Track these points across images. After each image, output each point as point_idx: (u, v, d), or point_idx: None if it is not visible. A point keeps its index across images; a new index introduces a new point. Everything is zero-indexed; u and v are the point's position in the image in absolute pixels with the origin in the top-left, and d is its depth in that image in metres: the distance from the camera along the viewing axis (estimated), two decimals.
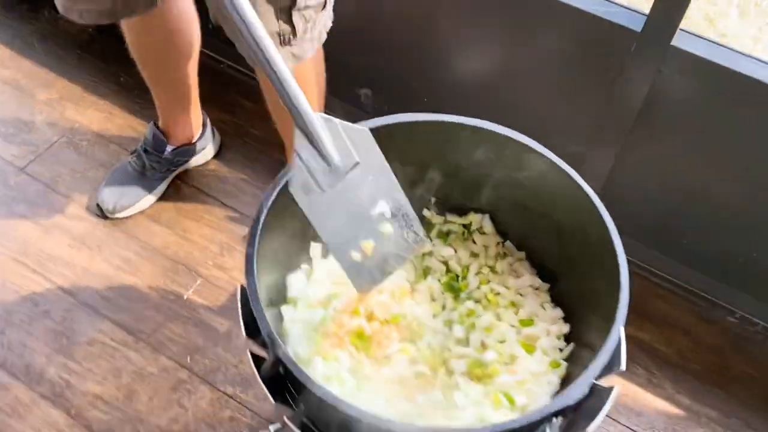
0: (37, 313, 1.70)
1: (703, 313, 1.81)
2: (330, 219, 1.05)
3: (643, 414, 1.64)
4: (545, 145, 1.15)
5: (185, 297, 1.74)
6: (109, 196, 1.83)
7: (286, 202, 1.05)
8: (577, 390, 0.91)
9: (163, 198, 1.91)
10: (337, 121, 1.00)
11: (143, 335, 1.68)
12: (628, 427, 1.61)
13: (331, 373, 1.08)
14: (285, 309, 1.17)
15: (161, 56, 1.69)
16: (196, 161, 1.95)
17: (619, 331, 1.00)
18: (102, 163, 1.97)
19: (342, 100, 1.97)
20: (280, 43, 1.31)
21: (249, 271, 0.97)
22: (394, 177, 1.08)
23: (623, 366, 1.04)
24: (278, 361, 0.93)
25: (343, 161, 1.02)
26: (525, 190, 1.19)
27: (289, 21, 1.30)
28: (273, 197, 1.07)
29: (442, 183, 1.26)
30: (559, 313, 1.20)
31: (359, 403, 0.90)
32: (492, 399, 1.07)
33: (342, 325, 1.14)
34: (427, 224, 1.32)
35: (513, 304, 1.22)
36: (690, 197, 1.68)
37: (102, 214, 1.85)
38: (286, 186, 1.05)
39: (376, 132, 1.05)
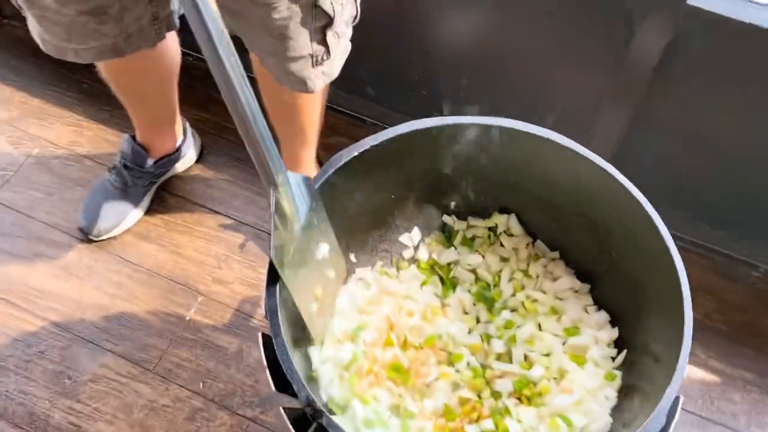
0: (32, 354, 1.58)
1: (725, 270, 1.75)
2: (297, 278, 0.99)
3: None
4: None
5: (187, 318, 1.64)
6: (92, 218, 1.71)
7: None
8: (656, 424, 0.84)
9: (148, 212, 1.79)
10: (295, 176, 0.95)
11: (149, 365, 1.58)
12: None
13: (372, 417, 1.00)
14: (311, 350, 1.07)
15: (143, 82, 1.55)
16: (179, 168, 1.82)
17: (689, 337, 0.93)
18: (78, 182, 1.83)
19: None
20: (313, 65, 1.23)
21: (274, 327, 0.87)
22: (326, 216, 1.05)
23: (686, 373, 0.97)
24: (321, 427, 0.84)
25: (302, 215, 0.97)
26: (556, 188, 1.10)
27: (324, 41, 1.20)
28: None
29: (461, 186, 1.16)
30: (604, 316, 1.12)
31: None
32: (548, 424, 1.00)
33: (375, 360, 1.05)
34: (448, 231, 1.23)
35: (554, 310, 1.14)
36: (706, 153, 1.60)
37: (86, 238, 1.72)
38: None
39: (390, 143, 0.96)
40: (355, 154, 1.01)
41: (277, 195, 0.90)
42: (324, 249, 1.05)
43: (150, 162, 1.71)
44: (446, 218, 1.22)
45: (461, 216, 1.22)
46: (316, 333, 1.06)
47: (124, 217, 1.72)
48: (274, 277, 0.91)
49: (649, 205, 1.00)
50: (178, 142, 1.76)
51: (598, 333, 1.10)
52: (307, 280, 1.02)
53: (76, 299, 1.66)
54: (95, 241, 1.73)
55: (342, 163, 1.00)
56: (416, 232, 1.22)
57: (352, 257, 1.20)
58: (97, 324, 1.62)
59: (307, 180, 0.97)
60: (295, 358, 0.93)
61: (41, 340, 1.60)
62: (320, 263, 1.06)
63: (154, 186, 1.79)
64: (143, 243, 1.74)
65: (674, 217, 1.74)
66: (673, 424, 0.96)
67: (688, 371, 1.59)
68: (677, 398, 0.95)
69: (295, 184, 0.94)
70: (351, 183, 1.04)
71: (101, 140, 1.91)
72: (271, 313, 0.86)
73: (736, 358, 1.64)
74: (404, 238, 1.22)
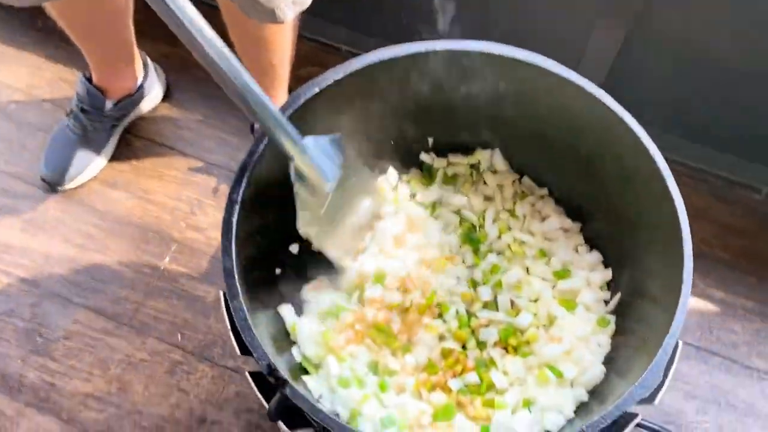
0: (1, 313, 1.51)
1: (725, 194, 1.67)
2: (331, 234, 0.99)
3: None
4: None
5: (162, 268, 1.56)
6: (54, 167, 1.61)
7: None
8: (654, 376, 0.76)
9: (114, 158, 1.68)
10: (319, 139, 0.90)
11: (124, 319, 1.51)
12: None
13: (348, 375, 0.93)
14: (282, 308, 1.00)
15: (90, 17, 1.42)
16: (143, 108, 1.71)
17: (690, 274, 0.85)
18: (39, 128, 1.72)
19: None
20: None
21: (231, 289, 0.78)
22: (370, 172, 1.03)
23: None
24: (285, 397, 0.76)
25: (334, 179, 0.92)
26: (542, 118, 1.00)
27: None
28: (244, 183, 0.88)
29: (439, 120, 1.06)
30: (597, 257, 1.04)
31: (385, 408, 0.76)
32: (536, 376, 0.93)
33: (362, 319, 0.98)
34: (427, 170, 1.13)
35: (542, 253, 1.05)
36: (704, 72, 1.49)
37: (50, 188, 1.62)
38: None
39: (356, 77, 0.85)
40: (316, 90, 0.91)
41: (296, 164, 0.85)
42: (365, 202, 1.02)
43: (109, 104, 1.60)
44: (424, 156, 1.12)
45: (441, 153, 1.12)
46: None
47: (87, 164, 1.62)
48: (228, 235, 0.82)
49: (642, 129, 0.91)
50: (139, 81, 1.64)
51: (590, 275, 1.02)
52: (344, 233, 0.99)
53: (44, 253, 1.57)
54: (60, 192, 1.63)
55: (300, 103, 0.90)
56: (392, 173, 1.13)
57: None
58: (68, 278, 1.55)
59: (334, 140, 0.91)
60: (262, 318, 0.86)
61: (10, 298, 1.53)
62: (360, 212, 1.02)
63: (118, 129, 1.68)
64: (111, 191, 1.65)
65: (671, 141, 1.66)
66: (671, 372, 0.89)
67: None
68: (677, 344, 0.88)
69: (317, 148, 0.89)
70: (314, 125, 0.94)
71: (60, 82, 1.79)
72: (227, 275, 0.77)
73: (737, 286, 1.57)
74: (381, 181, 1.13)
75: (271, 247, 1.02)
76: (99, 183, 1.65)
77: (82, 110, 1.59)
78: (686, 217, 0.90)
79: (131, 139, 1.71)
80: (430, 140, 1.11)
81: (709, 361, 1.49)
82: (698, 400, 1.44)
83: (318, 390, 0.91)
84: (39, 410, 1.42)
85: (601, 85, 0.94)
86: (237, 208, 0.85)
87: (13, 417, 1.41)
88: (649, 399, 0.82)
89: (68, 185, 1.62)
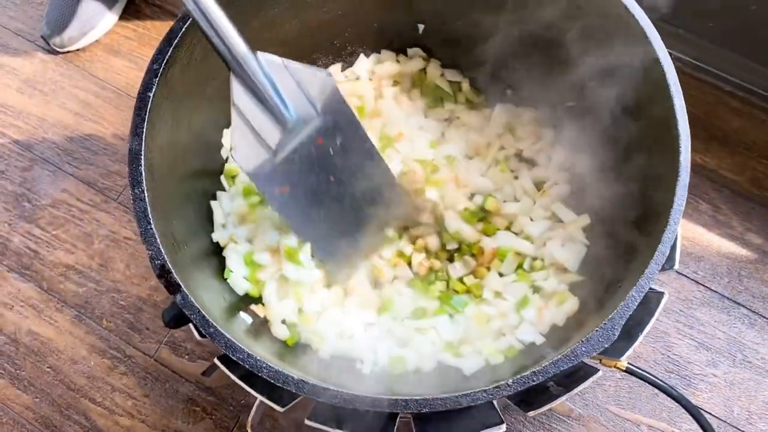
0: None
1: None
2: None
3: (704, 258, 1.37)
4: None
5: None
6: (56, 27, 1.51)
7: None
8: (608, 333, 0.64)
9: (121, 23, 1.58)
10: (289, 63, 0.77)
11: (113, 193, 1.45)
12: (684, 274, 1.35)
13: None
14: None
15: None
16: None
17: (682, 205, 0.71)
18: None
19: None
20: None
21: (135, 175, 0.68)
22: (364, 129, 0.88)
23: (677, 265, 0.75)
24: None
25: (299, 115, 0.79)
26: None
27: None
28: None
29: None
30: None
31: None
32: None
33: None
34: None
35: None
36: None
37: (51, 48, 1.54)
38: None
39: None
40: None
41: (239, 78, 0.75)
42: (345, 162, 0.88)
43: None
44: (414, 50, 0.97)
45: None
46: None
47: (92, 25, 1.52)
48: (142, 113, 0.71)
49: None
50: None
51: None
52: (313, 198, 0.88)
53: (39, 116, 1.51)
54: (61, 52, 1.55)
55: None
56: (363, 60, 0.99)
57: None
58: (61, 145, 1.49)
59: (319, 75, 0.79)
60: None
61: (2, 159, 1.48)
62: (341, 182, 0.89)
63: None
64: (113, 58, 1.56)
65: (734, 62, 1.45)
66: (650, 323, 0.76)
67: (718, 243, 1.37)
68: (662, 296, 0.74)
69: (285, 74, 0.78)
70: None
71: None
72: (133, 158, 0.67)
73: None
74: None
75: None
76: (102, 48, 1.56)
77: None
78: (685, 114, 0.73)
79: (140, 5, 1.60)
80: (421, 27, 0.95)
81: (732, 312, 1.34)
82: (711, 352, 1.31)
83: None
84: (21, 276, 1.39)
85: None
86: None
87: None
88: (617, 353, 0.70)
89: (69, 47, 1.53)
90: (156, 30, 1.57)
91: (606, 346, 0.63)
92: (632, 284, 0.65)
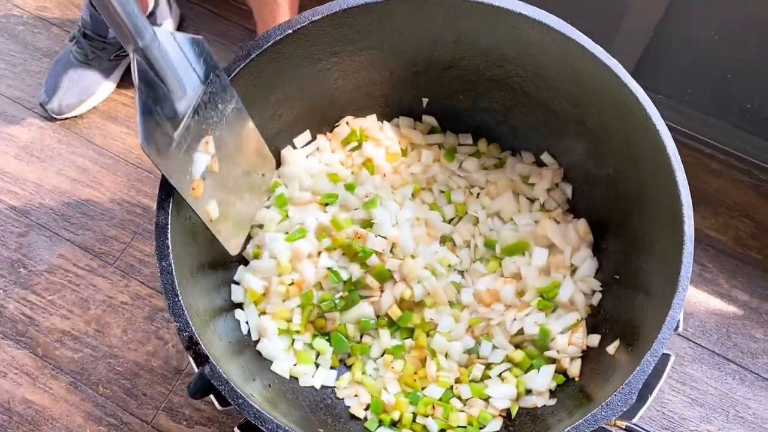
0: None
1: (767, 189, 1.52)
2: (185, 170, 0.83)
3: (694, 315, 1.41)
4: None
5: (154, 209, 1.49)
6: (54, 94, 1.54)
7: None
8: (626, 397, 0.66)
9: (118, 91, 1.61)
10: (176, 34, 0.78)
11: (110, 258, 1.46)
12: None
13: None
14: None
15: None
16: None
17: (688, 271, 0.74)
18: (45, 52, 1.66)
19: None
20: None
21: (162, 248, 0.70)
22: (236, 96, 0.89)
23: (681, 328, 0.78)
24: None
25: (191, 86, 0.80)
26: (547, 81, 0.88)
27: None
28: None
29: (435, 77, 0.95)
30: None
31: None
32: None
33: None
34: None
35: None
36: (755, 47, 1.33)
37: (48, 115, 1.57)
38: None
39: (335, 20, 0.75)
40: (289, 32, 0.80)
41: (140, 59, 0.73)
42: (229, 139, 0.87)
43: (112, 32, 1.52)
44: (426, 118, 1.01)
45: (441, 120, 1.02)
46: (224, 239, 0.92)
47: (88, 92, 1.55)
48: (167, 188, 0.73)
49: (647, 99, 0.79)
50: (150, 8, 1.55)
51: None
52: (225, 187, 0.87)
53: (36, 182, 1.52)
54: (58, 120, 1.58)
55: (269, 44, 0.80)
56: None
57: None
58: (57, 211, 1.50)
59: (198, 43, 0.79)
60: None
61: None
62: (228, 156, 0.89)
63: (125, 60, 1.60)
64: (111, 124, 1.58)
65: (713, 126, 1.51)
66: (658, 385, 0.79)
67: (706, 301, 1.41)
68: (668, 358, 0.77)
69: (174, 46, 0.76)
70: (283, 70, 0.84)
71: (71, 5, 1.71)
72: (160, 231, 0.69)
73: (766, 290, 1.43)
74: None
75: None
76: (99, 115, 1.59)
77: (85, 36, 1.51)
78: (688, 193, 0.77)
79: None
80: (425, 101, 0.99)
81: (723, 368, 1.37)
82: (705, 408, 1.33)
83: None
84: (15, 343, 1.38)
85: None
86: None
87: None
88: (627, 415, 0.72)
89: (67, 114, 1.55)
90: None
91: (624, 409, 0.65)
92: (646, 349, 0.68)
